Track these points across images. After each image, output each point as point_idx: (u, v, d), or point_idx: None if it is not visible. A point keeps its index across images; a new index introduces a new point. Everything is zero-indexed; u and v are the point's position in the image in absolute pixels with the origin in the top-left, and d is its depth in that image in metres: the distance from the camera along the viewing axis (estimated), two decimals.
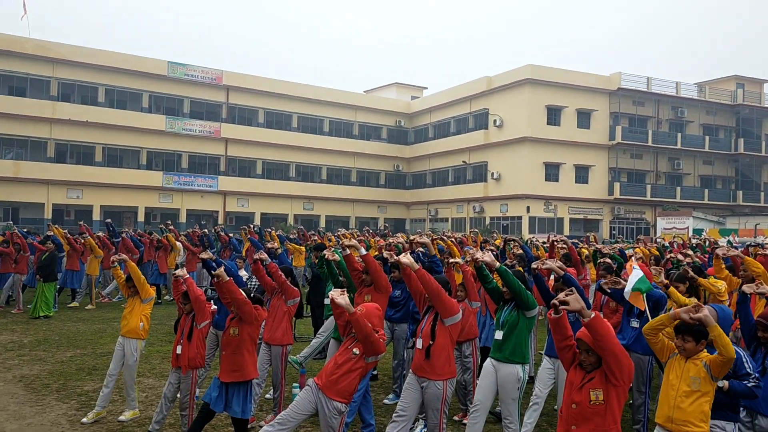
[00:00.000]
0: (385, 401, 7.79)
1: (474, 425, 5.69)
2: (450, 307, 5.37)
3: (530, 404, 6.47)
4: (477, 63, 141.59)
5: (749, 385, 4.34)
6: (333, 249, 7.15)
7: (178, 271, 6.33)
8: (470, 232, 17.80)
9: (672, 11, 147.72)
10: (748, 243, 13.47)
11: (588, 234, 21.47)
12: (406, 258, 5.43)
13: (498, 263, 5.72)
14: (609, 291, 6.54)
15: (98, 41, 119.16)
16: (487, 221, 47.36)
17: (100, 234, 18.08)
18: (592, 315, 3.69)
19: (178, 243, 16.82)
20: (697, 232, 37.04)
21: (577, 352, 3.94)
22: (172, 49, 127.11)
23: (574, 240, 16.82)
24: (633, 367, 3.79)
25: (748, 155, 51.06)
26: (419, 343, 5.46)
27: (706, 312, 4.05)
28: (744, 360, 4.41)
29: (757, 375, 4.41)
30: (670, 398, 4.26)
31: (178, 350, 6.20)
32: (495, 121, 46.74)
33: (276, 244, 8.49)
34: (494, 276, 5.86)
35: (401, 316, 7.68)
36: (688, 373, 4.22)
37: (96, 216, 41.67)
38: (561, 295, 3.81)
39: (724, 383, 4.28)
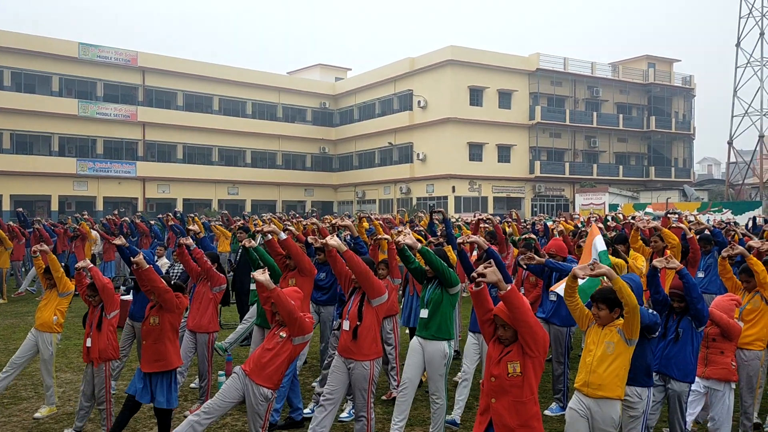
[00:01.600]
0: (314, 385, 7.78)
1: (403, 402, 5.77)
2: (378, 288, 5.41)
3: (460, 381, 6.61)
4: (400, 44, 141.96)
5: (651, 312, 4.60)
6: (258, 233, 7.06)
7: (79, 263, 6.09)
8: (397, 211, 17.94)
9: None
10: (666, 213, 14.12)
11: (510, 211, 22.05)
12: (333, 240, 5.41)
13: (420, 244, 5.78)
14: (525, 266, 6.72)
15: (2, 23, 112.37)
16: (414, 202, 47.81)
17: (11, 224, 17.15)
18: (509, 287, 3.79)
19: (93, 232, 16.16)
20: (613, 207, 38.64)
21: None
22: (86, 30, 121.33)
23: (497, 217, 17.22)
24: (548, 339, 3.93)
25: (659, 132, 53.49)
26: (346, 325, 5.47)
27: (606, 268, 4.23)
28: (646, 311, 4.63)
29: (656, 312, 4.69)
30: (587, 364, 4.44)
31: (88, 343, 5.99)
32: (419, 102, 47.07)
33: (197, 227, 8.26)
34: (417, 257, 5.91)
35: (328, 299, 7.66)
36: (603, 339, 4.41)
37: (6, 206, 39.50)
38: (480, 268, 3.89)
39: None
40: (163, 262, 10.05)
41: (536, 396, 3.93)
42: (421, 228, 12.54)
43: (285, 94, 52.96)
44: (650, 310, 4.65)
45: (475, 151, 46.71)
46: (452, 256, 7.54)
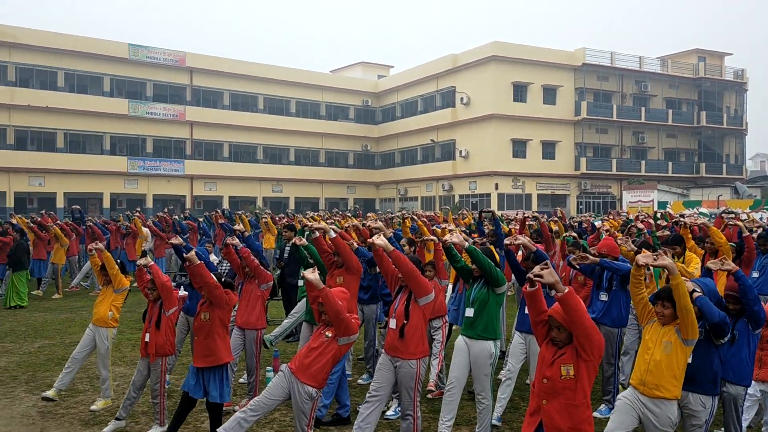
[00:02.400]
0: (360, 381, 7.84)
1: (450, 402, 5.78)
2: (424, 286, 5.41)
3: (503, 379, 6.57)
4: (443, 41, 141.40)
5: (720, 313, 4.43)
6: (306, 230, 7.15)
7: (141, 260, 6.27)
8: (440, 209, 17.86)
9: None
10: (721, 212, 13.72)
11: (555, 209, 21.74)
12: (380, 240, 5.44)
13: (466, 243, 5.77)
14: (578, 266, 6.64)
15: (56, 25, 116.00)
16: (457, 199, 47.58)
17: (66, 221, 17.72)
18: (566, 290, 3.73)
19: (145, 229, 16.58)
20: (662, 205, 37.76)
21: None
22: (133, 32, 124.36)
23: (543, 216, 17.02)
24: (603, 343, 3.86)
25: (710, 128, 51.99)
26: (392, 323, 5.49)
27: (669, 260, 4.13)
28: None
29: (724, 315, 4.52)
30: (644, 362, 4.37)
31: (146, 338, 6.16)
32: (462, 98, 46.80)
33: (242, 227, 8.43)
34: (463, 255, 5.90)
35: (369, 297, 7.72)
36: (662, 338, 4.33)
37: (60, 203, 40.79)
38: (536, 269, 3.84)
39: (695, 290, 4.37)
40: (212, 259, 10.26)
41: (589, 400, 3.88)
42: (464, 226, 12.47)
43: (328, 93, 53.31)
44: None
45: (519, 148, 46.21)
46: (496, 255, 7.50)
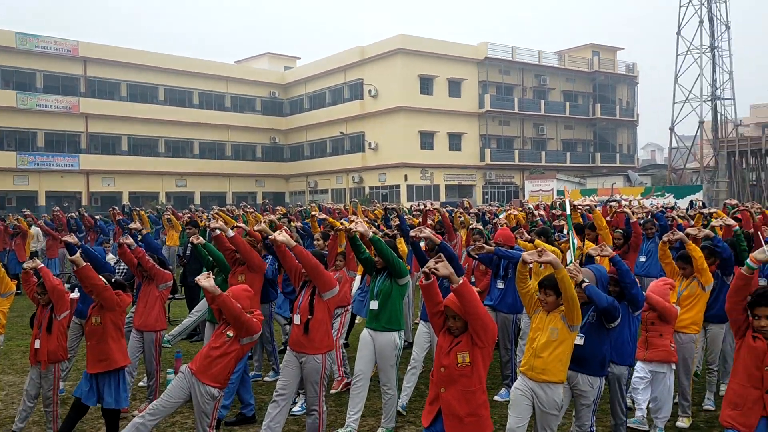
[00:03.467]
0: (266, 379, 7.74)
1: (357, 395, 5.81)
2: (328, 281, 5.39)
3: (408, 368, 6.67)
4: (350, 32, 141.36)
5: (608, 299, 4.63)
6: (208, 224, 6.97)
7: (27, 263, 5.89)
8: (350, 202, 17.88)
9: None
10: (606, 200, 14.48)
11: (462, 200, 22.29)
12: (282, 236, 5.36)
13: (370, 233, 5.79)
14: (476, 256, 6.81)
15: None
16: (367, 191, 47.84)
17: None
18: (460, 281, 3.85)
19: (34, 228, 15.66)
20: (561, 193, 39.42)
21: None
22: (22, 20, 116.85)
23: (449, 207, 17.40)
24: (496, 329, 4.01)
25: (604, 119, 54.74)
26: (297, 319, 5.45)
27: (551, 256, 4.30)
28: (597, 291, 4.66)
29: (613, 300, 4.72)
30: (531, 348, 4.56)
31: (36, 345, 5.82)
32: (370, 91, 47.00)
33: (139, 225, 8.03)
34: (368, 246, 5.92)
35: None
36: (548, 324, 4.51)
37: None
38: (431, 262, 3.94)
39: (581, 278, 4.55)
40: (110, 258, 9.82)
41: (484, 385, 4.02)
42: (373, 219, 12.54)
43: (233, 84, 52.13)
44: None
45: (427, 140, 46.96)
46: (402, 247, 7.59)
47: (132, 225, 7.87)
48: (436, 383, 4.05)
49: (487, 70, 48.78)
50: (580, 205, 9.24)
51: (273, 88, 54.70)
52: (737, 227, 6.58)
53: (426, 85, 46.54)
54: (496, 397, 6.77)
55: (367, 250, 6.06)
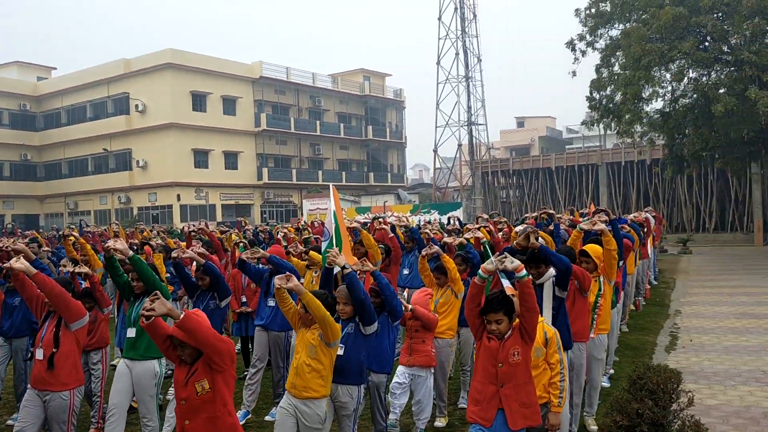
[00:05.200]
0: (9, 422, 6.83)
1: (112, 431, 5.34)
2: (77, 310, 5.03)
3: (171, 398, 6.29)
4: (114, 44, 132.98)
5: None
6: None
7: None
8: (111, 224, 16.61)
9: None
10: (373, 218, 15.21)
11: (239, 219, 21.93)
12: (18, 263, 4.84)
13: (131, 252, 5.44)
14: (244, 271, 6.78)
15: None
16: (135, 212, 45.01)
17: None
18: (182, 315, 3.69)
19: None
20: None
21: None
22: None
23: (224, 227, 17.00)
24: (233, 349, 3.91)
25: (376, 141, 57.70)
26: (39, 354, 4.92)
27: (295, 281, 4.43)
28: None
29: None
30: (293, 366, 4.60)
31: None
32: (137, 105, 44.43)
33: None
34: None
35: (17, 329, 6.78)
36: (308, 342, 4.57)
37: None
38: (146, 303, 3.72)
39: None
40: None
41: (230, 407, 3.92)
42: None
43: None
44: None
45: (201, 158, 45.55)
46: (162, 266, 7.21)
47: None
48: (179, 415, 3.89)
49: (263, 89, 48.82)
50: (357, 221, 9.50)
51: (23, 100, 49.26)
52: (484, 239, 7.26)
53: (199, 101, 45.20)
54: (267, 417, 6.67)
55: (123, 272, 5.66)
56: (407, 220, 11.24)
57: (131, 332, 5.55)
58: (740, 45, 19.65)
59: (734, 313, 11.90)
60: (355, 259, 6.23)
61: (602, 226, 5.73)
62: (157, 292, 3.86)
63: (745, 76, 18.61)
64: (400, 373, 5.92)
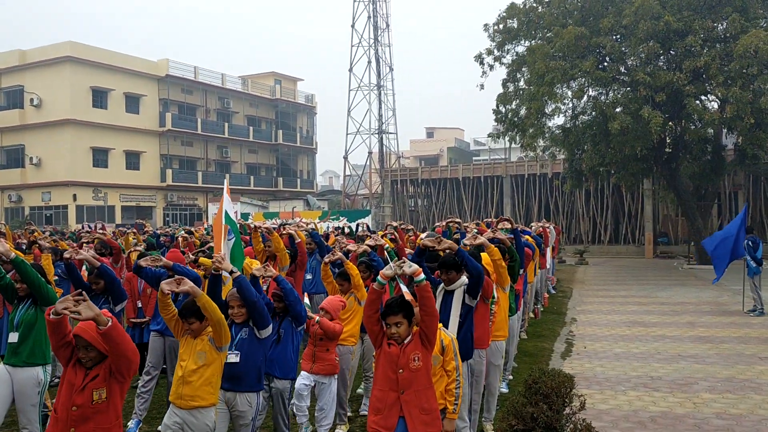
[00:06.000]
0: None
1: None
2: None
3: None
4: (8, 32, 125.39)
5: None
6: None
7: None
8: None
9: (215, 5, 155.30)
10: (280, 224, 15.06)
11: (139, 221, 21.08)
12: None
13: (13, 254, 5.08)
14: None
15: None
16: (27, 211, 42.42)
17: None
18: (109, 323, 3.46)
19: None
20: (244, 216, 39.85)
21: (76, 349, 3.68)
22: None
23: (122, 228, 16.33)
24: (138, 362, 3.74)
25: (286, 145, 57.05)
26: None
27: (189, 285, 4.23)
28: None
29: None
30: (179, 376, 4.42)
31: None
32: (32, 99, 41.94)
33: None
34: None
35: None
36: (195, 349, 4.41)
37: None
38: (70, 302, 3.44)
39: None
40: None
41: (121, 420, 3.74)
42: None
43: None
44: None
45: (100, 157, 43.49)
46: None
47: None
48: (63, 422, 3.60)
49: (169, 87, 47.28)
50: (264, 227, 9.29)
51: None
52: (388, 246, 7.29)
53: (99, 98, 43.18)
54: (160, 428, 6.36)
55: (8, 275, 5.29)
56: (316, 227, 11.19)
57: (13, 337, 5.19)
58: (636, 66, 20.86)
59: (625, 322, 12.56)
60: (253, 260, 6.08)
61: (483, 239, 5.74)
62: (82, 291, 3.57)
63: (640, 96, 19.74)
64: (305, 376, 5.83)
